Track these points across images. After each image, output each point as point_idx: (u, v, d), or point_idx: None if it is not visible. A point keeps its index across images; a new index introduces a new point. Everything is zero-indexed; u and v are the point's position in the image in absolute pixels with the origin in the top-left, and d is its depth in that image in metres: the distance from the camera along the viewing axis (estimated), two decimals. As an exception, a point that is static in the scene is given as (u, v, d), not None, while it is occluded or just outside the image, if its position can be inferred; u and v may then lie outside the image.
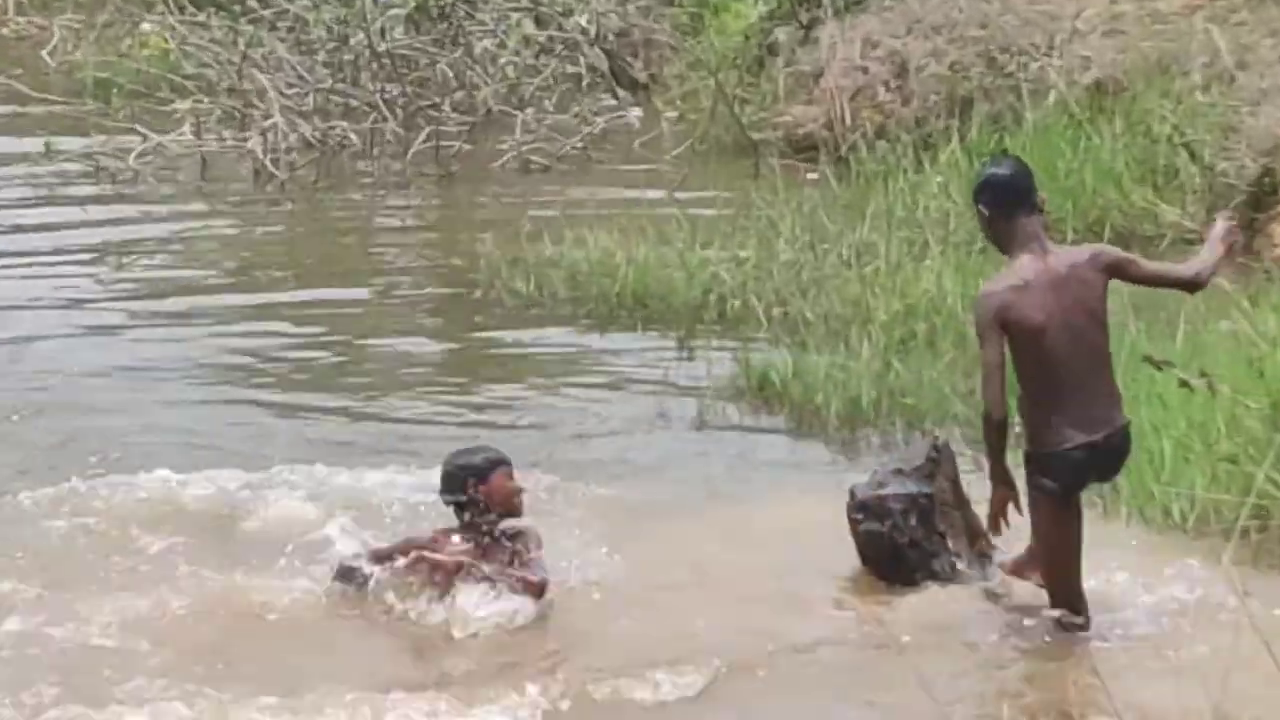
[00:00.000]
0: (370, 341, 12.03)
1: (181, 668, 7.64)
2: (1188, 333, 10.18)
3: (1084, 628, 7.96)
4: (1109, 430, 8.00)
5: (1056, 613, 7.99)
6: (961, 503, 8.51)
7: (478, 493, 8.39)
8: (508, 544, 8.37)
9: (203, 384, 11.19)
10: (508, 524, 8.41)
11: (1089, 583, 8.09)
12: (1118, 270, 8.20)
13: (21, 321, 12.11)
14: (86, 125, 15.60)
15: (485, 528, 8.41)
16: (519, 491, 8.51)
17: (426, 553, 8.35)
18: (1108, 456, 8.10)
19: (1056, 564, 8.06)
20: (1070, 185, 12.38)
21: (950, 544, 8.41)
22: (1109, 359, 8.08)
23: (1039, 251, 8.02)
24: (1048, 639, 7.86)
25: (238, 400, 11.03)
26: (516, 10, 15.49)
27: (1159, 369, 9.12)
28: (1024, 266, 7.97)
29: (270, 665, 7.76)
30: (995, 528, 8.10)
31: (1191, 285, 8.39)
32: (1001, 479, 8.02)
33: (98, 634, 7.84)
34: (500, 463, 8.49)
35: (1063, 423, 7.96)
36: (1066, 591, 8.06)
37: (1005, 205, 8.09)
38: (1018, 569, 8.22)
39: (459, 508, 8.44)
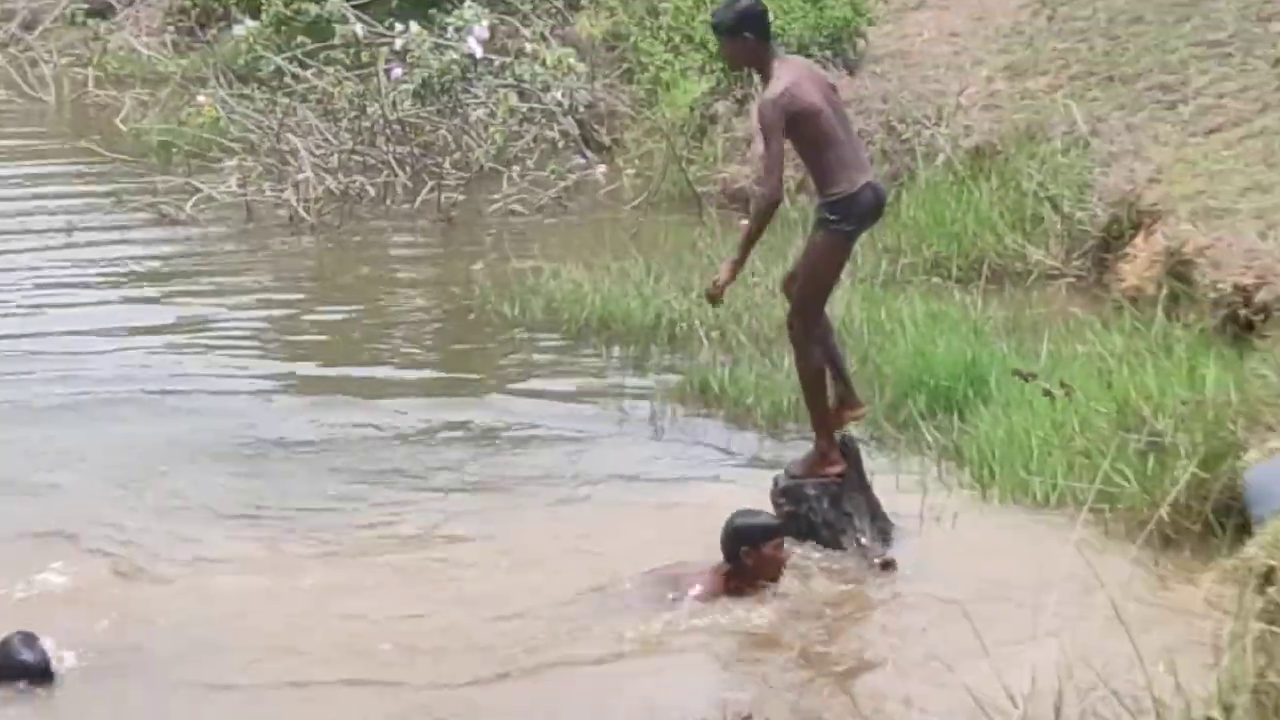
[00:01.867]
0: (382, 348, 12.05)
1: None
2: (1050, 350, 10.22)
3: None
4: (874, 174, 8.47)
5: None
6: (864, 487, 8.54)
7: (748, 559, 7.86)
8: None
9: (241, 358, 11.50)
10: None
11: (972, 553, 8.17)
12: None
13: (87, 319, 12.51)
14: (152, 180, 15.56)
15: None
16: (784, 564, 7.96)
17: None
18: (874, 199, 8.36)
19: (818, 288, 8.39)
20: (955, 231, 12.39)
21: (855, 523, 8.44)
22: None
23: (789, 61, 8.36)
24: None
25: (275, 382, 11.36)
26: (504, 86, 15.42)
27: (1026, 380, 9.26)
28: (790, 70, 8.20)
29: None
30: (719, 293, 8.47)
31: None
32: (744, 259, 8.40)
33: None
34: (775, 533, 7.95)
35: (849, 170, 8.24)
36: (815, 309, 8.40)
37: (765, 31, 8.26)
38: None
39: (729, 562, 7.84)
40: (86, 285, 13.42)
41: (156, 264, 14.03)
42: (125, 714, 7.15)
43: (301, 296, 13.27)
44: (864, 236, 9.13)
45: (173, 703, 7.18)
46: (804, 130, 8.15)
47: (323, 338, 12.39)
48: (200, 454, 9.90)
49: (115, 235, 14.67)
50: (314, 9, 16.60)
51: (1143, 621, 5.93)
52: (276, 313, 12.94)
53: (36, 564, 8.27)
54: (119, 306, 13.00)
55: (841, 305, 10.91)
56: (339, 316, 12.73)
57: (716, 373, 10.53)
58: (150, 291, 13.41)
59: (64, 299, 12.99)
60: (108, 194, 15.59)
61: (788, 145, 8.20)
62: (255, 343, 12.25)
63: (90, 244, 14.43)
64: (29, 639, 7.13)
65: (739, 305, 11.49)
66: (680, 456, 9.81)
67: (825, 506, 8.36)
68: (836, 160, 8.22)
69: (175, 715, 7.16)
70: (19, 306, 12.79)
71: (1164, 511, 7.62)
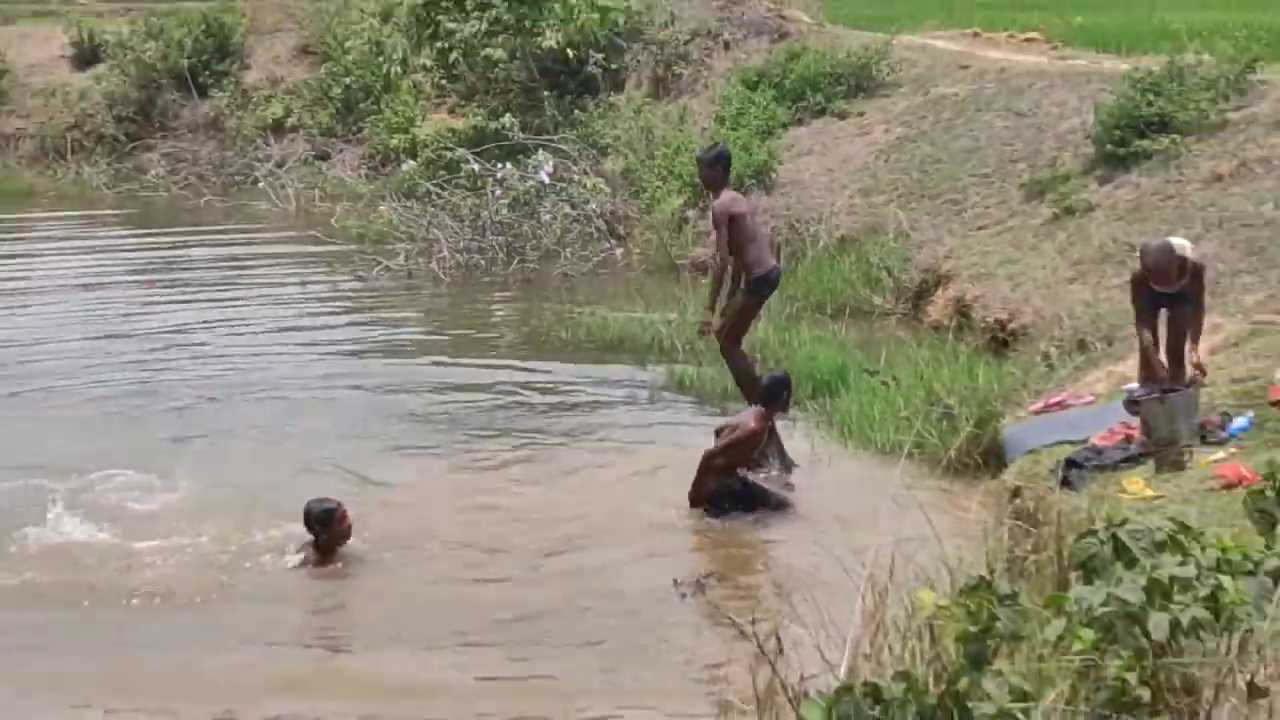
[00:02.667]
0: (487, 352, 11.95)
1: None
2: (886, 358, 10.24)
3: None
4: (775, 263, 8.74)
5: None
6: (775, 440, 8.55)
7: (789, 399, 7.82)
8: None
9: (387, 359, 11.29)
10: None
11: (839, 480, 8.13)
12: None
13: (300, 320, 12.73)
14: (352, 255, 15.57)
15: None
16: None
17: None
18: (776, 277, 8.69)
19: (741, 326, 8.64)
20: (829, 286, 12.41)
21: (770, 459, 8.47)
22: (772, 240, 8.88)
23: (730, 188, 8.56)
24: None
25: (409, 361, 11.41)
26: (561, 200, 15.55)
27: (872, 376, 9.28)
28: (730, 192, 8.50)
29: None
30: (709, 330, 8.56)
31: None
32: (714, 304, 8.50)
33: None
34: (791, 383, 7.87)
35: (763, 259, 8.45)
36: (737, 337, 8.60)
37: (728, 168, 8.56)
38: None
39: (767, 407, 7.69)
40: (310, 312, 13.49)
41: (353, 302, 14.02)
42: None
43: (439, 324, 13.24)
44: (774, 296, 9.20)
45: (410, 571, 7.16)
46: (735, 228, 8.31)
47: (452, 345, 12.29)
48: (376, 414, 9.92)
49: (329, 285, 14.74)
50: (449, 154, 16.79)
51: (939, 519, 5.97)
52: (424, 330, 12.96)
53: (292, 487, 8.05)
54: (330, 318, 13.18)
55: (761, 332, 10.97)
56: (462, 335, 12.67)
57: (688, 371, 10.53)
58: (349, 318, 13.41)
59: (297, 322, 13.07)
60: (326, 262, 15.63)
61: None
62: (410, 349, 12.20)
63: (314, 283, 14.64)
64: (321, 499, 6.95)
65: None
66: (665, 419, 9.80)
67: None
68: (755, 252, 8.40)
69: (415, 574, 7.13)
70: (272, 322, 12.99)
71: (952, 454, 7.68)
